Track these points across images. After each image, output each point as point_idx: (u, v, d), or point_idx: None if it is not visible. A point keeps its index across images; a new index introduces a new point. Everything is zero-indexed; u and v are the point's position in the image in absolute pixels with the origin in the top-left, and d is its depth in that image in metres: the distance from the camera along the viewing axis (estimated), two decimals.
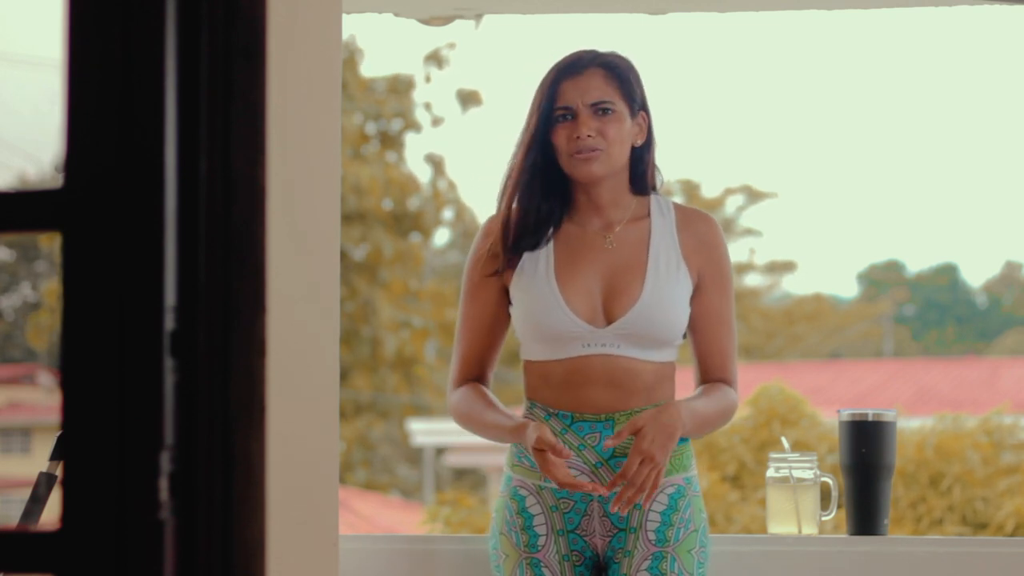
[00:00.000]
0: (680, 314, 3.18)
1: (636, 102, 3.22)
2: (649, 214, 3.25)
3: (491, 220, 3.29)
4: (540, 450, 3.06)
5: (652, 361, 3.18)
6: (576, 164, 3.17)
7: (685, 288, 3.20)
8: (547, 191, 3.23)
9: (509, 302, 3.26)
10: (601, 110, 3.17)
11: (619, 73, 3.20)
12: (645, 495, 3.06)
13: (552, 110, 3.19)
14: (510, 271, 3.23)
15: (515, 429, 3.15)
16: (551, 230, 3.23)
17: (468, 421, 3.26)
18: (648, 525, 3.15)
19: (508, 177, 3.24)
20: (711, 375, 3.25)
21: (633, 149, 3.23)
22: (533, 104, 3.22)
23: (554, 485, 3.17)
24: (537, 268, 3.21)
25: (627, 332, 3.15)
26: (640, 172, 3.26)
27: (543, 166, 3.22)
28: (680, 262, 3.20)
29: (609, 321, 3.16)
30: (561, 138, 3.18)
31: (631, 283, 3.18)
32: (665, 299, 3.16)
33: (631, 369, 3.16)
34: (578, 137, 3.15)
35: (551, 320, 3.16)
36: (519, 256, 3.23)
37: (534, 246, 3.22)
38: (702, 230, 3.24)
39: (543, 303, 3.17)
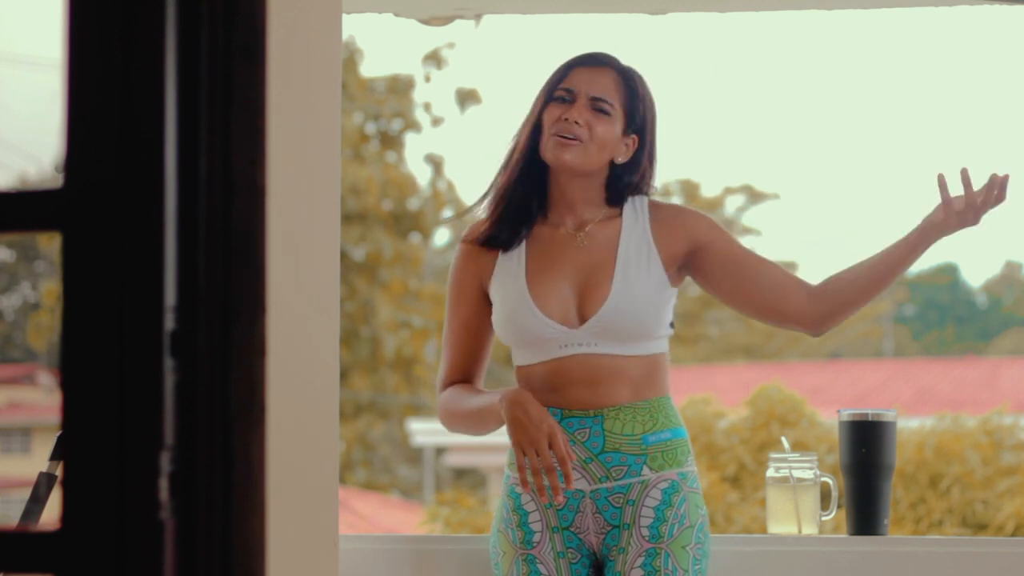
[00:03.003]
0: (654, 307, 3.18)
1: (635, 121, 3.23)
2: (621, 214, 3.26)
3: (474, 228, 3.31)
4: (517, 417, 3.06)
5: (636, 355, 3.18)
6: (552, 146, 3.18)
7: (658, 283, 3.19)
8: (529, 183, 3.24)
9: (491, 306, 3.27)
10: (599, 108, 3.18)
11: (631, 85, 3.23)
12: None
13: (554, 90, 3.20)
14: (489, 270, 3.24)
15: (495, 402, 3.14)
16: (524, 229, 3.24)
17: (454, 417, 3.27)
18: (641, 521, 3.15)
19: (510, 156, 3.25)
20: (801, 292, 3.22)
21: (613, 164, 3.24)
22: (542, 88, 3.25)
23: (547, 482, 3.18)
24: (510, 272, 3.22)
25: (601, 330, 3.15)
26: (618, 188, 3.26)
27: (531, 158, 3.24)
28: (653, 256, 3.20)
29: (582, 320, 3.17)
30: (550, 116, 3.20)
31: (601, 281, 3.18)
32: (636, 294, 3.16)
33: (612, 366, 3.16)
34: (566, 119, 3.17)
35: (524, 324, 3.17)
36: (494, 249, 3.23)
37: (507, 243, 3.22)
38: (671, 214, 3.25)
39: (515, 307, 3.18)
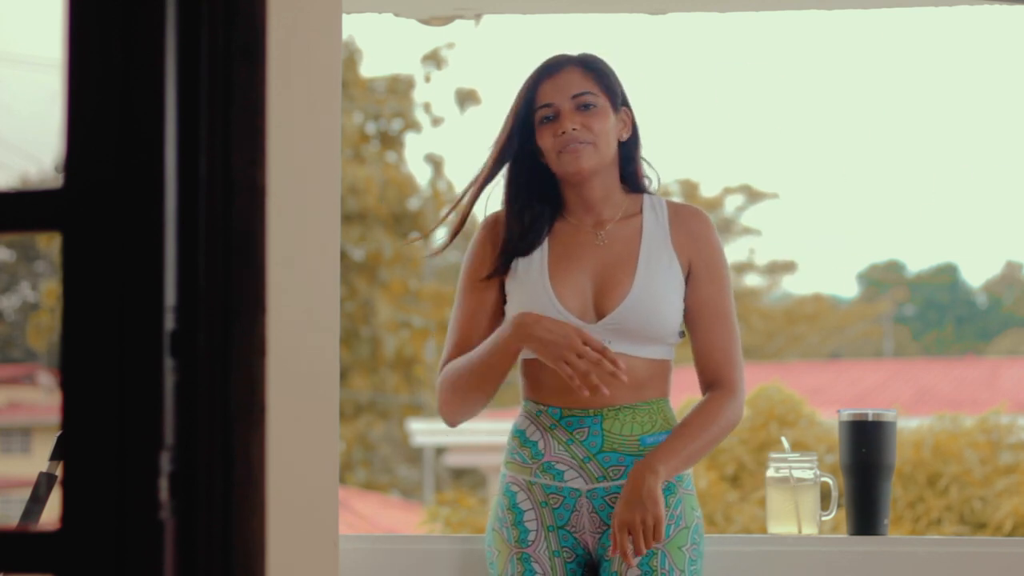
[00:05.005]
0: (672, 309, 3.19)
1: (617, 96, 3.25)
2: (641, 211, 3.27)
3: (491, 216, 3.31)
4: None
5: (644, 357, 3.18)
6: (564, 160, 3.19)
7: (677, 283, 3.21)
8: (536, 195, 3.25)
9: (505, 299, 3.27)
10: (583, 105, 3.19)
11: (596, 68, 3.24)
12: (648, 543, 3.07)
13: (532, 112, 3.20)
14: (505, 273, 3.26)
15: (503, 338, 3.13)
16: (544, 233, 3.24)
17: (459, 380, 3.22)
18: None
19: (475, 178, 3.28)
20: (706, 375, 3.24)
21: (621, 145, 3.26)
22: (511, 108, 3.25)
23: (544, 480, 3.18)
24: (531, 266, 3.23)
25: (618, 327, 3.16)
26: (631, 169, 3.28)
27: (530, 171, 3.24)
28: (672, 258, 3.22)
29: (600, 316, 3.17)
30: (547, 138, 3.20)
31: (622, 279, 3.19)
32: (656, 294, 3.17)
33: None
34: (563, 132, 3.17)
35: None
36: (511, 261, 3.24)
37: (526, 251, 3.23)
38: (692, 224, 3.25)
39: (536, 300, 3.19)
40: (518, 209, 3.25)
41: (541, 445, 3.20)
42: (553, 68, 3.22)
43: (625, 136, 3.26)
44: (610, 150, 3.22)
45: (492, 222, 3.29)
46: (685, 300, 3.24)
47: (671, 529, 3.16)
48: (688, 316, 3.25)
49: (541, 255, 3.24)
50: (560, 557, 3.20)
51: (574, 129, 3.17)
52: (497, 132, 3.27)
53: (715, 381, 3.23)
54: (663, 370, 3.22)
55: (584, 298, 3.20)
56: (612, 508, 3.17)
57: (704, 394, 3.24)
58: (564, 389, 3.18)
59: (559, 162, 3.19)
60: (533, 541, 3.20)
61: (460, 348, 3.28)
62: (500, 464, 3.32)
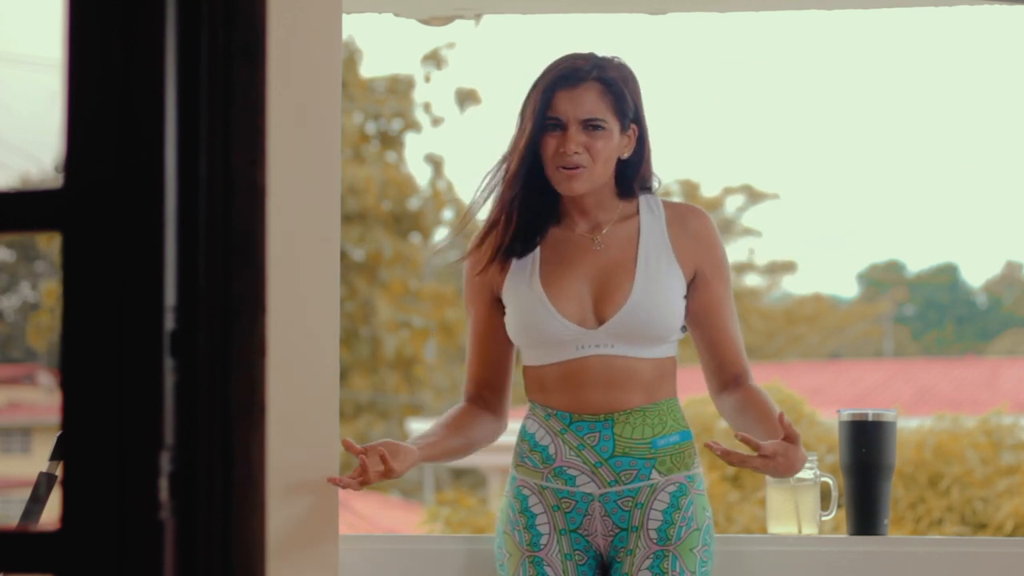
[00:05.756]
0: (673, 310, 3.18)
1: (628, 117, 3.20)
2: (638, 212, 3.25)
3: (473, 240, 3.30)
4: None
5: (650, 358, 3.18)
6: (559, 179, 3.17)
7: (677, 284, 3.20)
8: (535, 197, 3.23)
9: (504, 312, 3.26)
10: (591, 127, 3.16)
11: (615, 89, 3.18)
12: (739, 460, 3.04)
13: (544, 117, 3.18)
14: (500, 277, 3.24)
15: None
16: (536, 237, 3.24)
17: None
18: (650, 524, 3.16)
19: (500, 182, 3.23)
20: (729, 369, 3.23)
21: (619, 160, 3.23)
22: (527, 110, 3.20)
23: (556, 485, 3.18)
24: (523, 274, 3.22)
25: (620, 331, 3.15)
26: (626, 179, 3.25)
27: (532, 167, 3.22)
28: (672, 259, 3.20)
29: (601, 321, 3.17)
30: (549, 147, 3.17)
31: (621, 282, 3.18)
32: (656, 296, 3.16)
33: (629, 368, 3.16)
34: (564, 152, 3.15)
35: (540, 325, 3.16)
36: (507, 260, 3.23)
37: (522, 252, 3.23)
38: (694, 225, 3.24)
39: (530, 309, 3.18)
40: (520, 211, 3.23)
41: (552, 450, 3.20)
42: (572, 80, 3.17)
43: (626, 155, 3.22)
44: (606, 172, 3.20)
45: (475, 245, 3.28)
46: (694, 302, 3.22)
47: (683, 531, 3.16)
48: (699, 317, 3.23)
49: (533, 262, 3.22)
50: (572, 560, 3.20)
51: (576, 152, 3.15)
52: (514, 134, 3.23)
53: (740, 373, 3.24)
54: (670, 368, 3.23)
55: (583, 304, 3.18)
56: (624, 511, 3.17)
57: (722, 388, 3.25)
58: (571, 393, 3.18)
59: (554, 176, 3.18)
60: (545, 544, 3.20)
61: (469, 377, 3.30)
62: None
